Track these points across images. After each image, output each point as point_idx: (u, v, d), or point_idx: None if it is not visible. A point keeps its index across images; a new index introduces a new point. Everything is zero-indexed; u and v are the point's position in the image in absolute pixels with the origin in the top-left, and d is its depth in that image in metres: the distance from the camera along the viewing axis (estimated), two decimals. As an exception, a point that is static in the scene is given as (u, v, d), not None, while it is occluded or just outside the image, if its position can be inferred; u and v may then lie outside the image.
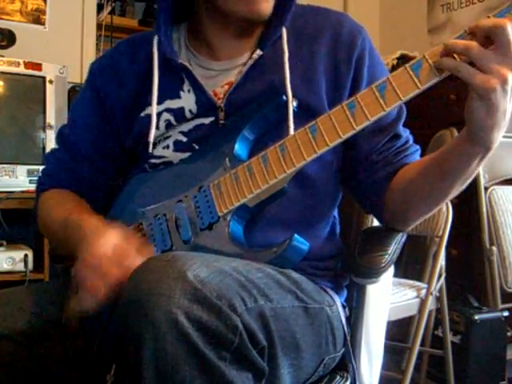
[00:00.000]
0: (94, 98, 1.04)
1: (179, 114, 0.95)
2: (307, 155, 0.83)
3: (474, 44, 0.72)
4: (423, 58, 0.76)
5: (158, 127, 0.96)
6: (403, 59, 2.68)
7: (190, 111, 0.95)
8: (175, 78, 0.97)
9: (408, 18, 3.06)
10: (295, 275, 0.86)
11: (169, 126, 0.96)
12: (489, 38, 0.72)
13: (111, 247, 0.78)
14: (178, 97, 0.96)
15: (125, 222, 0.95)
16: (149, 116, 0.96)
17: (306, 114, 0.89)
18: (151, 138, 0.95)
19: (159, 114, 0.96)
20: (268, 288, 0.76)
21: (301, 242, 0.83)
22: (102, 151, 1.04)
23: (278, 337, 0.74)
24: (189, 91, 0.96)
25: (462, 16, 2.81)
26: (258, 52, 0.93)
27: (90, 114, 1.04)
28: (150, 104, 0.97)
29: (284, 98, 0.89)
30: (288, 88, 0.90)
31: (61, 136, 1.07)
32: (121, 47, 1.06)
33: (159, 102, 0.96)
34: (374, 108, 0.79)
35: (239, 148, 0.90)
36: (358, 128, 0.80)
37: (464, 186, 0.87)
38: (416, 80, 0.76)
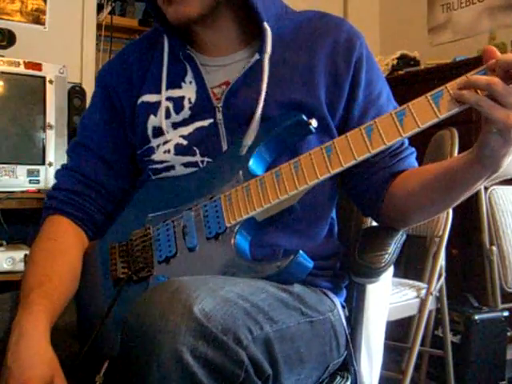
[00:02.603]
0: (104, 99, 1.04)
1: (178, 103, 0.97)
2: (320, 174, 0.83)
3: (496, 80, 0.72)
4: (444, 89, 0.77)
5: (155, 114, 0.97)
6: (403, 59, 2.69)
7: (189, 100, 0.96)
8: (179, 69, 0.98)
9: (408, 18, 3.06)
10: (297, 289, 0.86)
11: (167, 114, 0.97)
12: (509, 73, 0.73)
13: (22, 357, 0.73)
14: (179, 87, 0.98)
15: (133, 226, 0.95)
16: (147, 103, 0.98)
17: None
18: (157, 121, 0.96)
19: (159, 103, 0.97)
20: (272, 309, 0.76)
21: (305, 259, 0.82)
22: (116, 150, 1.03)
23: (284, 357, 0.75)
24: (190, 82, 0.97)
25: (462, 16, 2.82)
26: (256, 56, 0.94)
27: (102, 113, 1.04)
28: (147, 92, 0.99)
29: (304, 117, 0.89)
30: (260, 107, 0.90)
31: (72, 145, 1.05)
32: (130, 47, 1.07)
33: (161, 91, 0.98)
34: (392, 133, 0.79)
35: (254, 163, 0.90)
36: (374, 151, 0.80)
37: (466, 197, 0.87)
38: (436, 109, 0.76)
